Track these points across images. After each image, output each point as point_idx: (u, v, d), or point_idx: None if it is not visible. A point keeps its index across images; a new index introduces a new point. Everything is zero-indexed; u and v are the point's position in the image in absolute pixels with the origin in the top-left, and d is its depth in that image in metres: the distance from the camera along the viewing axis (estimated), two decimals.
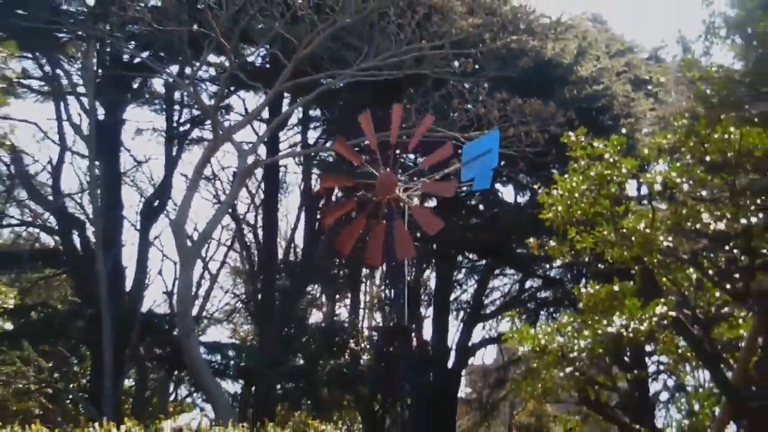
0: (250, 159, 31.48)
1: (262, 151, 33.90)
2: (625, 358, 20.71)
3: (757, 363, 9.74)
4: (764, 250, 8.92)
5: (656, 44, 43.90)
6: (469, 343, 39.34)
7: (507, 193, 36.18)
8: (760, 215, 9.37)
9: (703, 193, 9.71)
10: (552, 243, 10.61)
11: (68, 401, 36.76)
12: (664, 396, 36.25)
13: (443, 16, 29.31)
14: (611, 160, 9.93)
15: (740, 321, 10.17)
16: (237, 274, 43.51)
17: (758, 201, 9.53)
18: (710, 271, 9.62)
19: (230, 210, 36.13)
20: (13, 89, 29.48)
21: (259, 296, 37.78)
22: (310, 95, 31.21)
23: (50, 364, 37.06)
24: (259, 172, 36.38)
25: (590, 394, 10.13)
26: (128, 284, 34.54)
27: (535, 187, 28.21)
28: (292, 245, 39.49)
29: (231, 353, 39.65)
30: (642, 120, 32.38)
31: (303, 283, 37.79)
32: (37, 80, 35.20)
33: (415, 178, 29.73)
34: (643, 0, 78.15)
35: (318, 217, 36.28)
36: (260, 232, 38.68)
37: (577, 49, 34.97)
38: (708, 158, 9.63)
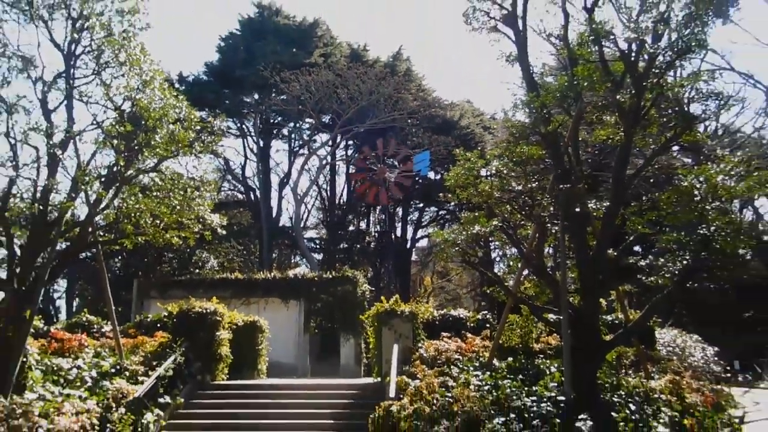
0: (324, 162, 31.51)
1: (329, 158, 33.65)
2: (481, 243, 20.80)
3: (534, 245, 9.84)
4: (538, 198, 8.96)
5: (493, 111, 43.43)
6: (416, 237, 39.48)
7: (432, 175, 35.81)
8: (536, 183, 9.40)
9: (513, 174, 9.71)
10: (450, 195, 10.60)
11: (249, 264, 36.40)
12: (498, 259, 36.48)
13: (404, 101, 29.26)
14: (474, 160, 9.89)
15: (529, 227, 10.23)
16: (318, 209, 43.24)
17: (536, 176, 9.57)
18: (516, 206, 9.65)
19: (315, 183, 35.93)
20: (223, 134, 29.56)
21: (328, 219, 37.76)
22: (348, 135, 31.23)
23: (257, 248, 36.16)
24: (327, 168, 36.07)
25: (467, 258, 10.21)
26: (274, 213, 34.56)
27: (444, 171, 28.16)
28: (342, 197, 39.28)
29: (317, 241, 39.62)
30: (487, 144, 32.11)
31: (347, 213, 37.74)
32: (234, 130, 34.94)
33: (395, 169, 29.53)
34: (490, 90, 76.87)
35: (352, 185, 36.06)
36: (328, 191, 38.55)
37: (460, 114, 34.68)
38: (515, 159, 9.59)
